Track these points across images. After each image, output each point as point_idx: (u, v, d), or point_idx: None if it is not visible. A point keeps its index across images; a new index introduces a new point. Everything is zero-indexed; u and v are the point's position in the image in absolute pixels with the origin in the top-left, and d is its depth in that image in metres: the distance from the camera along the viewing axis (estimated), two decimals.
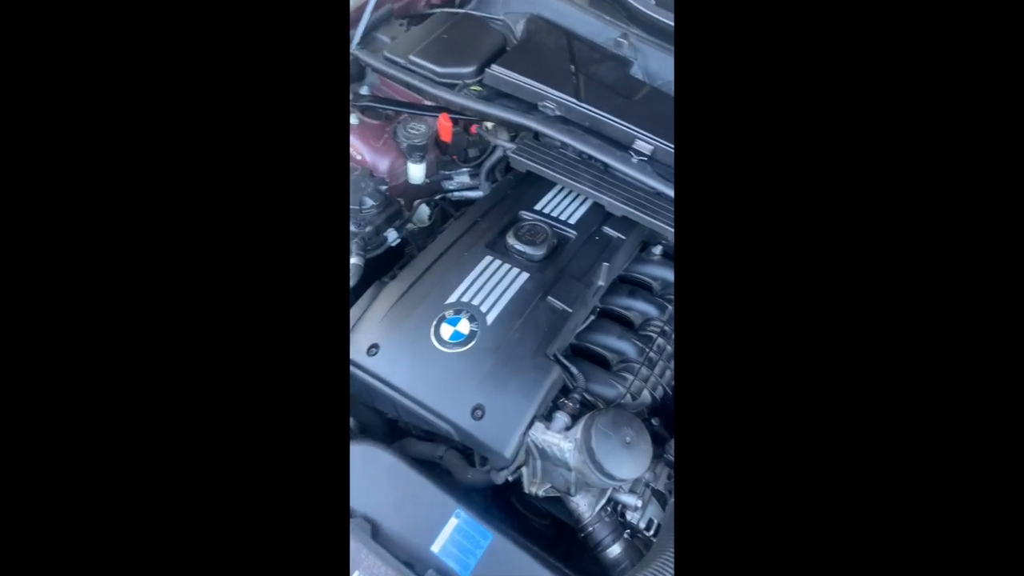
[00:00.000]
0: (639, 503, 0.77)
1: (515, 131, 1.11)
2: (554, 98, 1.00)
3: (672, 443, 0.80)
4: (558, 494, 0.82)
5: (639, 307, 0.97)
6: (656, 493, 0.80)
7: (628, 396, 0.85)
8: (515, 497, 0.89)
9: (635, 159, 0.95)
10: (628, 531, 0.79)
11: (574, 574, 0.77)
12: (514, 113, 0.99)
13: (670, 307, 0.96)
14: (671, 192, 0.92)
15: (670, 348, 0.92)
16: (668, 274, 1.02)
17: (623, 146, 0.97)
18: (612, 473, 0.72)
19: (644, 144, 0.96)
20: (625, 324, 0.95)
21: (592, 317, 0.94)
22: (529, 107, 1.02)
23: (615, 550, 0.76)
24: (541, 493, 0.82)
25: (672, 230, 0.91)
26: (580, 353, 0.90)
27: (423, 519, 0.69)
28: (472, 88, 1.05)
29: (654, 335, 0.92)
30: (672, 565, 0.67)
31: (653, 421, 0.87)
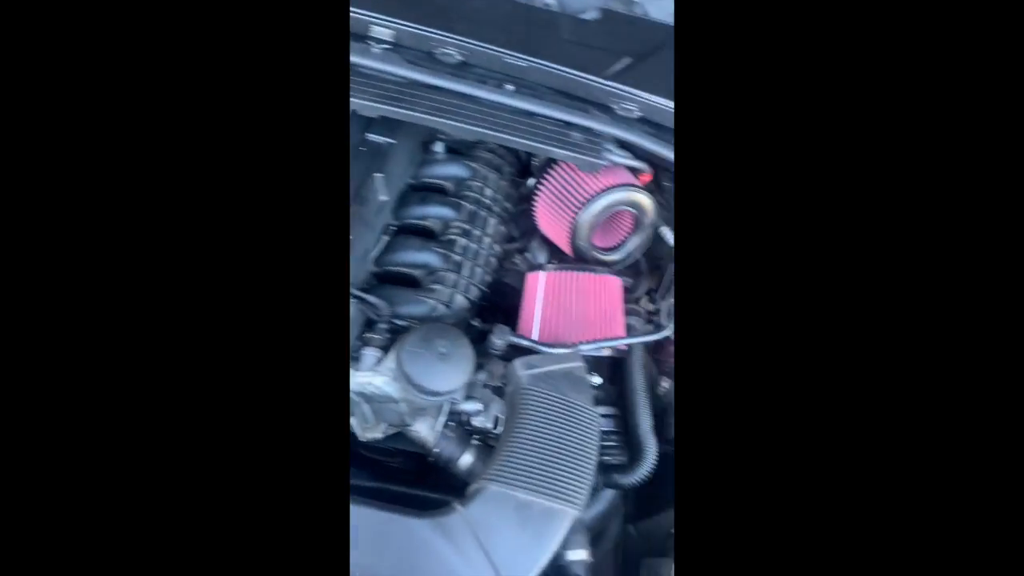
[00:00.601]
0: (480, 406, 0.75)
1: None
2: None
3: (494, 335, 0.78)
4: (398, 429, 0.77)
5: (435, 212, 0.90)
6: (495, 389, 0.78)
7: (441, 307, 0.80)
8: (362, 448, 0.83)
9: (376, 48, 0.83)
10: (478, 436, 0.78)
11: (436, 495, 0.75)
12: None
13: (466, 204, 0.91)
14: (424, 78, 0.82)
15: (474, 246, 0.88)
16: (458, 170, 0.95)
17: (360, 37, 0.84)
18: (436, 389, 0.68)
19: (383, 30, 0.84)
20: (427, 235, 0.88)
21: (387, 237, 0.85)
22: None
23: (466, 460, 0.74)
24: (380, 435, 0.77)
25: (438, 119, 0.82)
26: (387, 279, 0.82)
27: None
28: None
29: (456, 237, 0.87)
30: (512, 455, 0.66)
31: (474, 323, 0.84)
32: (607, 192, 0.87)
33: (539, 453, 0.66)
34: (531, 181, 1.03)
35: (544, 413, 0.69)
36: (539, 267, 0.93)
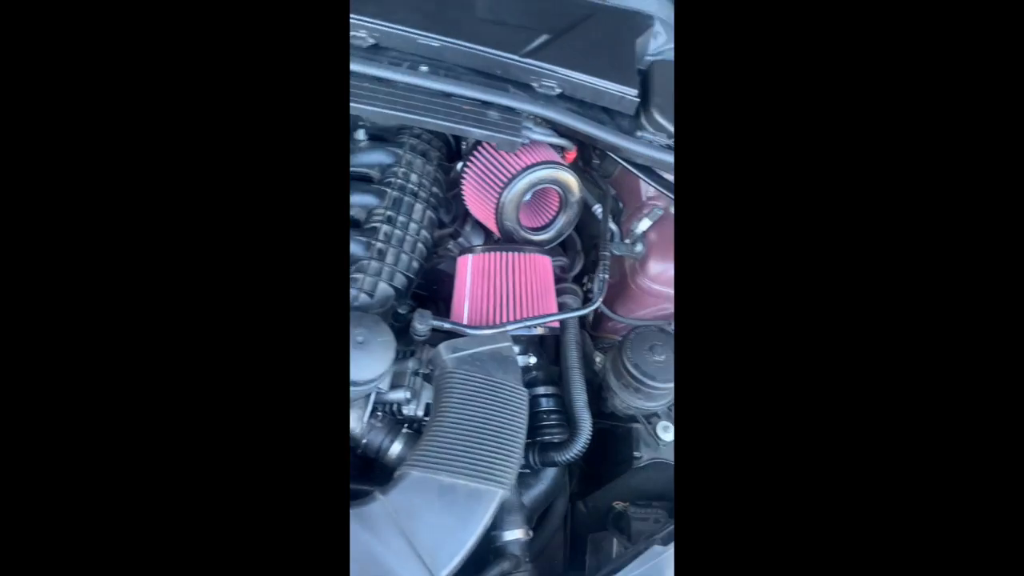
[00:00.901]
0: (407, 395, 0.74)
1: None
2: None
3: (415, 320, 0.77)
4: None
5: (357, 201, 0.88)
6: (425, 377, 0.77)
7: (364, 296, 0.78)
8: None
9: None
10: (409, 425, 0.77)
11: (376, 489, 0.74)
12: None
13: (390, 191, 0.89)
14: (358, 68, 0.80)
15: (400, 233, 0.86)
16: (381, 157, 0.93)
17: None
18: (353, 379, 0.66)
19: None
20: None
21: None
22: None
23: (395, 449, 0.73)
24: None
25: (352, 104, 0.80)
26: None
27: None
28: None
29: (379, 225, 0.85)
30: (435, 439, 0.65)
31: (400, 310, 0.82)
32: (528, 171, 0.86)
33: (463, 435, 0.65)
34: (460, 165, 1.02)
35: (468, 394, 0.68)
36: (468, 251, 0.92)
